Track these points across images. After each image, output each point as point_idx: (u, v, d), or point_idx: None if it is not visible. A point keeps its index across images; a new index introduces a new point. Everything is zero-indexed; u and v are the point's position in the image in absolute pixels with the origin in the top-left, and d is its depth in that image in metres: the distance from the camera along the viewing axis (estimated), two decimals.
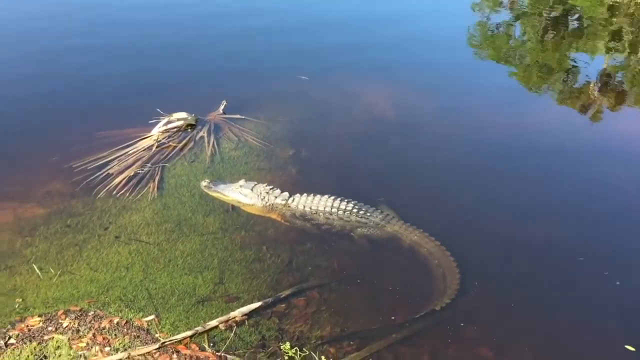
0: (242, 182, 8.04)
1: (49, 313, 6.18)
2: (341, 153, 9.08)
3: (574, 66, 12.44)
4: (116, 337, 5.87)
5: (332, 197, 7.72)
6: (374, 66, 11.80)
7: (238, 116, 9.90)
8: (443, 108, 10.45)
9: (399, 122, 10.01)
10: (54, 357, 5.58)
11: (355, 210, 7.58)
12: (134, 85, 10.87)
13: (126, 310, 6.26)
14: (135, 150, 8.93)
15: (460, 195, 8.11)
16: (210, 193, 8.03)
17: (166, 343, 5.73)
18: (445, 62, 12.18)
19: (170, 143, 9.19)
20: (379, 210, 7.66)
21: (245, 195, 7.90)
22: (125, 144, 8.99)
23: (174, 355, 5.65)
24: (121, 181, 8.23)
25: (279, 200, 7.84)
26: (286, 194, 7.90)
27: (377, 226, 7.47)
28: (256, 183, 8.05)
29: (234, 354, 5.79)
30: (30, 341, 5.76)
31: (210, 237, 7.33)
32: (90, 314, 6.18)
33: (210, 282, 6.66)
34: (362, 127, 9.81)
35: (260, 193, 7.89)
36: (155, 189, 8.14)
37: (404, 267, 7.05)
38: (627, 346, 5.99)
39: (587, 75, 11.91)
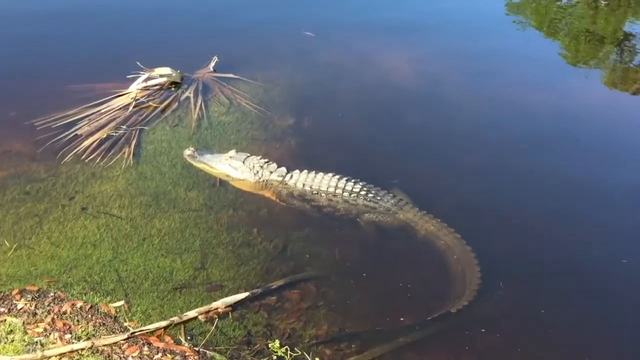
0: (232, 152, 8.05)
1: (1, 292, 6.21)
2: (350, 125, 9.09)
3: (629, 38, 12.37)
4: (78, 324, 5.90)
5: (337, 176, 7.74)
6: (395, 26, 11.71)
7: (231, 76, 9.89)
8: (472, 80, 10.43)
9: (421, 92, 10.01)
10: (5, 343, 5.62)
11: (363, 193, 7.60)
12: (112, 35, 10.87)
13: (91, 293, 6.30)
14: (109, 108, 8.93)
15: (486, 182, 8.13)
16: (195, 164, 8.05)
17: (136, 333, 5.78)
18: (478, 28, 12.15)
19: (150, 103, 9.19)
20: (391, 194, 7.68)
21: (236, 168, 7.91)
22: (98, 101, 8.99)
23: (145, 348, 5.70)
24: (91, 144, 8.24)
25: (274, 176, 7.86)
26: (283, 169, 7.92)
27: (388, 212, 7.49)
28: (249, 155, 8.06)
29: (214, 350, 5.83)
30: None
31: (193, 215, 7.36)
32: (49, 295, 6.22)
33: (190, 267, 6.70)
34: (377, 95, 9.82)
35: (254, 167, 7.90)
36: (131, 155, 8.15)
37: (417, 262, 7.08)
38: None
39: None
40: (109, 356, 5.56)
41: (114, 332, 5.84)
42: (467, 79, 10.46)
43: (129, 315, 6.10)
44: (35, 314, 5.99)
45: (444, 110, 9.62)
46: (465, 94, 10.00)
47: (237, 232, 7.19)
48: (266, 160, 8.03)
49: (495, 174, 8.32)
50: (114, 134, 8.48)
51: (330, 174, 7.77)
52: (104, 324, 5.94)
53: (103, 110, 8.87)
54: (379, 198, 7.58)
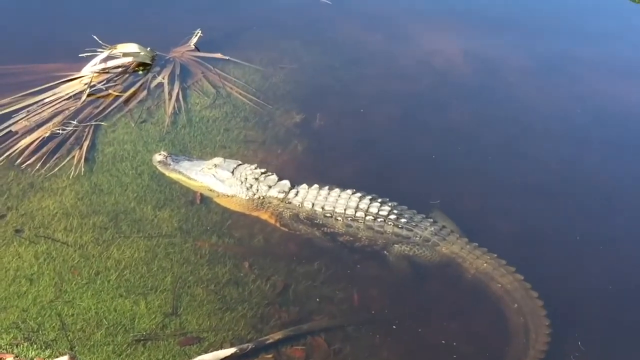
0: (218, 159, 8.05)
1: None
2: (376, 124, 9.09)
3: None
4: None
5: (358, 194, 7.71)
6: None
7: (219, 55, 9.92)
8: (541, 66, 10.45)
9: (472, 82, 10.03)
10: None
11: (393, 217, 7.57)
12: (58, 1, 10.98)
13: (25, 344, 6.26)
14: (54, 97, 8.95)
15: (558, 208, 8.13)
16: (168, 173, 8.05)
17: None
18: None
19: (110, 91, 9.22)
20: (430, 220, 7.65)
21: (222, 180, 7.91)
22: (40, 87, 9.03)
23: None
24: (30, 145, 8.26)
25: (274, 193, 7.85)
26: (286, 183, 7.91)
27: (425, 243, 7.45)
28: (240, 163, 8.05)
29: None
30: None
31: (163, 242, 7.36)
32: None
33: (159, 312, 6.68)
34: (413, 85, 9.83)
35: (246, 179, 7.89)
36: (83, 160, 8.16)
37: (464, 311, 7.04)
38: None
39: None
40: None
41: None
42: (539, 65, 10.46)
43: None
44: None
45: (505, 110, 9.62)
46: (531, 85, 9.98)
47: (222, 266, 7.17)
48: (263, 170, 8.01)
49: (570, 198, 8.29)
50: (60, 131, 8.50)
51: (348, 191, 7.74)
52: None
53: (46, 100, 8.90)
54: (414, 224, 7.54)
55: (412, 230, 7.51)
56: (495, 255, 7.30)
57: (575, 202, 8.23)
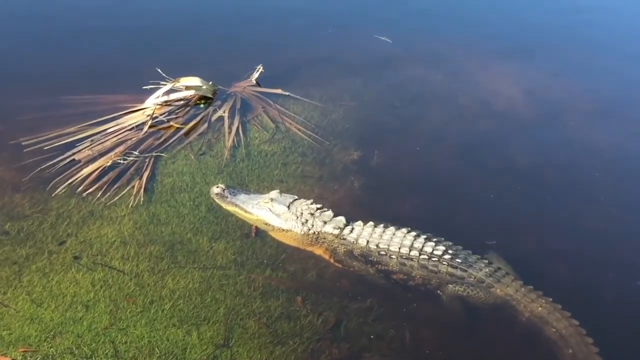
0: (274, 193, 8.14)
1: None
2: (434, 163, 9.12)
3: None
4: None
5: (413, 233, 7.71)
6: (502, 35, 11.79)
7: (279, 91, 10.08)
8: (605, 108, 10.41)
9: (532, 123, 10.02)
10: None
11: (448, 257, 7.54)
12: (128, 34, 11.24)
13: None
14: (117, 128, 9.16)
15: (616, 251, 8.04)
16: (225, 206, 8.15)
17: None
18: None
19: (172, 123, 9.41)
20: (486, 261, 7.60)
21: (278, 214, 7.99)
22: (103, 118, 9.24)
23: None
24: (91, 173, 8.44)
25: (329, 228, 7.89)
26: (342, 219, 7.95)
27: (480, 285, 7.40)
28: (296, 198, 8.13)
29: None
30: None
31: (218, 274, 7.44)
32: None
33: (210, 343, 6.72)
34: (472, 126, 9.86)
35: (302, 214, 7.96)
36: (142, 190, 8.32)
37: (518, 355, 6.96)
38: None
39: None
40: None
41: None
42: (603, 107, 10.42)
43: None
44: None
45: (566, 152, 9.57)
46: (597, 130, 9.92)
47: (274, 299, 7.22)
48: (319, 206, 8.07)
49: (629, 245, 8.17)
50: (122, 161, 8.69)
51: (404, 230, 7.75)
52: None
53: (109, 130, 9.11)
54: (468, 265, 7.51)
55: (466, 271, 7.47)
56: (551, 299, 7.20)
57: (635, 251, 8.09)
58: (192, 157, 8.94)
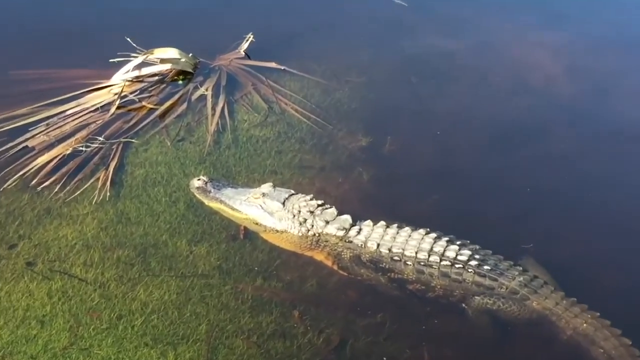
0: (267, 187, 8.09)
1: None
2: (458, 150, 9.12)
3: None
4: None
5: (433, 234, 7.66)
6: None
7: (273, 65, 10.04)
8: None
9: (578, 105, 10.01)
10: None
11: (474, 263, 7.48)
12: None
13: None
14: (79, 109, 9.13)
15: None
16: (207, 202, 8.11)
17: None
18: None
19: (144, 103, 9.38)
20: (519, 268, 7.55)
21: (271, 212, 7.94)
22: (62, 97, 9.22)
23: None
24: (47, 163, 8.42)
25: (332, 229, 7.84)
26: (347, 218, 7.90)
27: (513, 296, 7.34)
28: (293, 192, 8.10)
29: None
30: None
31: (199, 283, 7.40)
32: None
33: None
34: (504, 106, 9.83)
35: (300, 212, 7.91)
36: (108, 183, 8.29)
37: None
38: None
39: None
40: None
41: None
42: None
43: None
44: None
45: (618, 139, 9.51)
46: None
47: (267, 314, 7.18)
48: (320, 202, 8.02)
49: None
50: (84, 148, 8.65)
51: (421, 231, 7.70)
52: None
53: (69, 112, 9.07)
54: (499, 273, 7.44)
55: (496, 280, 7.41)
56: (598, 314, 7.16)
57: None
58: (169, 144, 8.92)
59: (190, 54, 9.83)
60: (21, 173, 8.31)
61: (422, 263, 7.55)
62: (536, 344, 7.22)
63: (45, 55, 9.70)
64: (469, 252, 7.55)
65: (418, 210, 8.20)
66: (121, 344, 6.82)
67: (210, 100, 9.48)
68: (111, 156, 8.62)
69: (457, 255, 7.52)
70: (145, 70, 9.67)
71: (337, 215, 7.93)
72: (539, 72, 10.37)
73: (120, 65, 9.57)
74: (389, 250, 7.65)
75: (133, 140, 8.88)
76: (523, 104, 9.95)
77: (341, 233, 7.82)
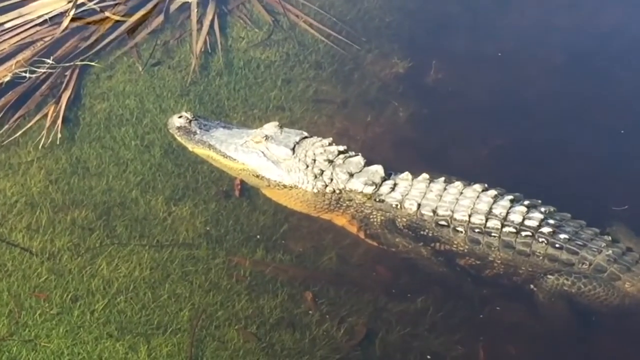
0: (271, 128, 8.12)
1: None
2: (528, 79, 9.14)
3: None
4: None
5: (492, 192, 7.66)
6: None
7: None
8: None
9: None
10: None
11: (547, 230, 7.46)
12: None
13: None
14: (20, 21, 9.15)
15: None
16: (192, 147, 8.15)
17: None
18: None
19: (107, 13, 9.39)
20: (608, 237, 7.56)
21: (277, 162, 7.97)
22: None
23: None
24: None
25: (357, 184, 7.85)
26: (378, 169, 7.91)
27: (598, 275, 7.34)
28: (306, 135, 8.13)
29: None
30: None
31: (180, 255, 7.46)
32: None
33: None
34: (594, 20, 9.82)
35: (315, 161, 7.92)
36: (60, 121, 8.34)
37: None
38: None
39: None
40: None
41: None
42: None
43: None
44: None
45: None
46: None
47: (270, 296, 7.23)
48: (342, 148, 8.04)
49: None
50: (28, 74, 8.70)
51: (476, 186, 7.71)
52: None
53: (8, 25, 9.11)
54: (580, 244, 7.45)
55: (577, 254, 7.42)
56: None
57: None
58: (140, 69, 8.95)
59: None
60: None
61: (477, 230, 7.58)
62: (629, 341, 7.29)
63: None
64: (541, 216, 7.55)
65: (473, 159, 8.26)
66: (77, 334, 6.87)
67: (196, 10, 9.49)
68: (64, 85, 8.67)
69: (524, 219, 7.53)
70: None
71: (364, 166, 7.95)
72: None
73: None
74: (434, 212, 7.67)
75: (93, 64, 8.91)
76: (618, 13, 9.90)
77: (370, 189, 7.84)
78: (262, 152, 7.97)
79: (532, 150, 8.51)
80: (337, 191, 7.88)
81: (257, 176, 8.01)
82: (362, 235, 7.82)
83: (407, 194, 7.76)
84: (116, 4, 9.46)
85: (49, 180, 7.92)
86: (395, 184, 7.85)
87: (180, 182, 8.05)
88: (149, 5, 9.52)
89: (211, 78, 8.85)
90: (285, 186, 7.96)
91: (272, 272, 7.45)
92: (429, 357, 6.98)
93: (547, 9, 9.90)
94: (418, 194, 7.74)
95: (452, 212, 7.61)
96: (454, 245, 7.63)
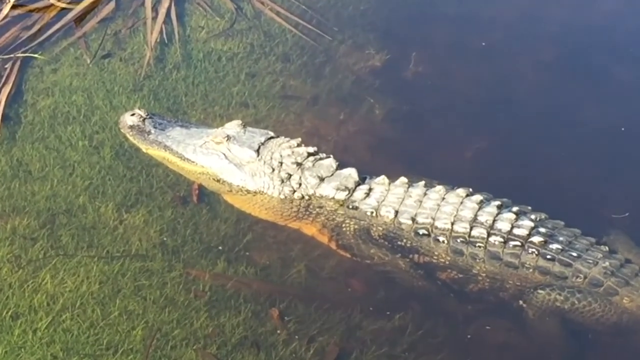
0: (234, 126, 8.09)
1: None
2: (514, 74, 9.17)
3: None
4: None
5: (478, 197, 7.63)
6: None
7: None
8: None
9: None
10: None
11: (537, 240, 7.45)
12: None
13: None
14: None
15: None
16: (146, 148, 8.10)
17: None
18: None
19: (52, 0, 9.37)
20: (605, 248, 7.56)
21: (240, 164, 7.92)
22: None
23: None
24: None
25: (329, 190, 7.82)
26: (351, 173, 7.89)
27: (594, 289, 7.34)
28: (272, 135, 8.10)
29: None
30: None
31: (132, 268, 7.42)
32: None
33: None
34: (580, 12, 9.88)
35: (282, 164, 7.88)
36: None
37: None
38: None
39: None
40: None
41: None
42: None
43: None
44: None
45: None
46: None
47: (232, 314, 7.19)
48: (312, 150, 8.01)
49: None
50: None
51: (460, 191, 7.69)
52: None
53: None
54: (574, 254, 7.43)
55: (570, 265, 7.40)
56: None
57: None
58: (89, 62, 8.94)
59: None
60: None
61: (460, 239, 7.55)
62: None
63: None
64: (531, 224, 7.53)
65: (456, 161, 8.24)
66: (17, 355, 6.83)
67: None
68: (3, 79, 8.65)
69: (512, 227, 7.50)
70: None
71: (336, 169, 7.93)
72: None
73: None
74: (413, 220, 7.64)
75: (36, 56, 8.89)
76: (608, 6, 9.94)
77: (342, 195, 7.81)
78: (224, 154, 7.93)
79: (520, 151, 8.54)
80: (306, 197, 7.85)
81: (218, 180, 7.97)
82: (333, 245, 7.80)
83: (383, 200, 7.73)
84: None
85: None
86: (370, 189, 7.82)
87: (133, 186, 8.03)
88: None
89: (167, 72, 8.84)
90: (248, 191, 7.93)
91: (234, 286, 7.42)
92: None
93: None
94: (395, 200, 7.70)
95: (433, 219, 7.58)
96: (435, 257, 7.60)
